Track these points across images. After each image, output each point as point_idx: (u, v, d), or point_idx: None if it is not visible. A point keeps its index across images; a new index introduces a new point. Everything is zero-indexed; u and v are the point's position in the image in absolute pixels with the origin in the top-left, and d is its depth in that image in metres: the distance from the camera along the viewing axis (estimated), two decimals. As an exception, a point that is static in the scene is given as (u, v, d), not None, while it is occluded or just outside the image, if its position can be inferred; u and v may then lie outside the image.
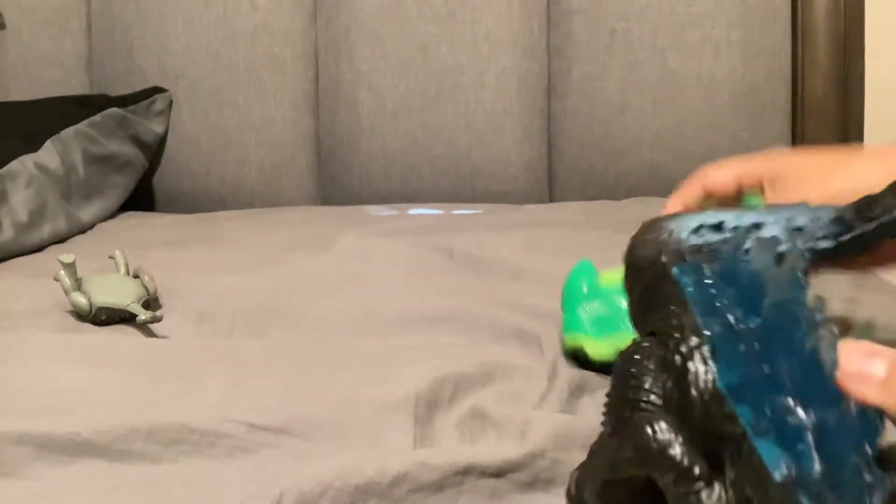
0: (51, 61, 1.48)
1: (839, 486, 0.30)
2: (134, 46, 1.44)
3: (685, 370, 0.34)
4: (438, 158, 1.40)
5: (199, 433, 0.52)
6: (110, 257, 0.87)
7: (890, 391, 0.32)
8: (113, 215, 1.33)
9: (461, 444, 0.54)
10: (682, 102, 1.38)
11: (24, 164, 1.17)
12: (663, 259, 0.41)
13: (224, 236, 1.15)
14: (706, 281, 0.37)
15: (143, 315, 0.74)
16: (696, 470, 0.33)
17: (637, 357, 0.37)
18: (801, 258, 0.38)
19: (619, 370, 0.38)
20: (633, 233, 0.47)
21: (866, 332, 0.34)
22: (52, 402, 0.59)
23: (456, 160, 1.40)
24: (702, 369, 0.34)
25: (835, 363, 0.33)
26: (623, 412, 0.37)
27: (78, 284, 0.79)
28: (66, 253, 0.81)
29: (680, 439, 0.34)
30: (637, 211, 1.02)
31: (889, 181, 0.56)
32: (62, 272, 0.79)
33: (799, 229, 0.51)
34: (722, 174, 0.65)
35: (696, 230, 0.44)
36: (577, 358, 0.64)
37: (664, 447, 0.34)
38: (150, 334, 0.76)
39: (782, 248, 0.42)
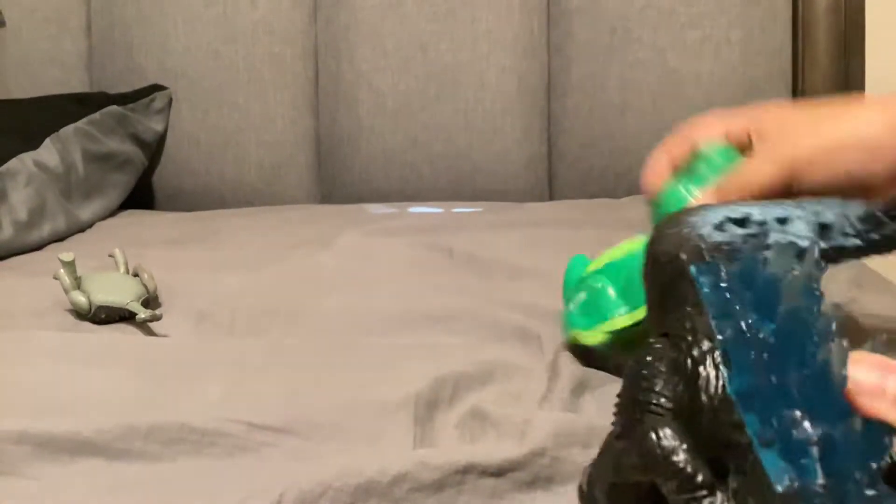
0: (51, 60, 1.48)
1: (842, 501, 0.30)
2: (134, 45, 1.44)
3: (696, 374, 0.34)
4: (438, 157, 1.40)
5: (198, 432, 0.52)
6: (110, 256, 0.87)
7: None
8: (112, 214, 1.33)
9: (461, 444, 0.54)
10: (682, 102, 1.37)
11: (23, 163, 1.17)
12: (682, 256, 0.40)
13: (224, 235, 1.15)
14: (722, 283, 0.37)
15: (142, 314, 0.74)
16: (700, 478, 0.32)
17: (649, 359, 0.37)
18: (818, 265, 0.37)
19: (630, 371, 0.37)
20: (655, 225, 0.46)
21: (880, 346, 0.34)
22: (51, 400, 0.59)
23: (456, 159, 1.40)
24: (713, 374, 0.33)
25: (844, 378, 0.32)
26: (633, 413, 0.36)
27: (77, 283, 0.79)
28: (65, 251, 0.81)
29: (685, 446, 0.33)
30: (637, 210, 1.02)
31: (890, 132, 0.54)
32: (62, 271, 0.79)
33: (827, 226, 0.51)
34: (709, 127, 0.63)
35: (720, 225, 0.43)
36: (581, 350, 0.64)
37: (668, 454, 0.33)
38: (150, 333, 0.75)
39: (801, 249, 0.41)
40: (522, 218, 1.20)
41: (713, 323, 0.35)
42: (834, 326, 0.34)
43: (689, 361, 0.34)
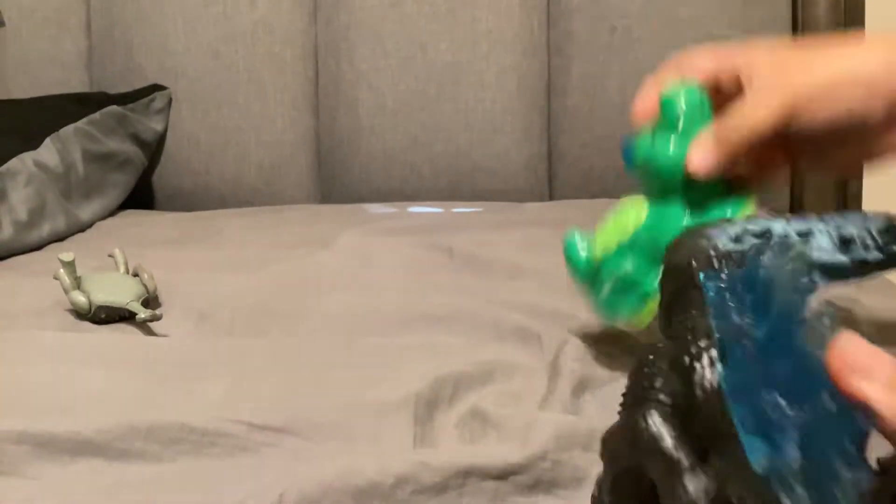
0: (50, 60, 1.48)
1: (817, 481, 0.31)
2: (134, 45, 1.44)
3: (692, 370, 0.35)
4: (438, 157, 1.40)
5: (198, 432, 0.52)
6: (110, 256, 0.87)
7: (893, 393, 0.31)
8: (112, 214, 1.33)
9: (461, 444, 0.54)
10: (682, 102, 1.37)
11: (23, 162, 1.17)
12: (693, 264, 0.41)
13: (224, 235, 1.15)
14: (724, 285, 0.38)
15: (142, 314, 0.74)
16: (685, 461, 0.33)
17: (651, 357, 0.38)
18: (802, 257, 0.38)
19: (634, 369, 0.38)
20: (675, 238, 0.47)
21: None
22: (51, 400, 0.59)
23: (456, 159, 1.40)
24: (708, 371, 0.34)
25: (828, 363, 0.33)
26: (633, 409, 0.37)
27: (77, 283, 0.79)
28: (65, 251, 0.81)
29: (673, 432, 0.34)
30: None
31: (889, 71, 0.54)
32: (61, 271, 0.79)
33: (848, 239, 0.51)
34: (700, 61, 0.62)
35: (738, 238, 0.44)
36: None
37: (655, 438, 0.34)
38: (150, 333, 0.75)
39: (793, 251, 0.42)
40: (522, 217, 1.20)
41: (713, 323, 0.36)
42: (827, 318, 0.34)
43: (686, 358, 0.35)
